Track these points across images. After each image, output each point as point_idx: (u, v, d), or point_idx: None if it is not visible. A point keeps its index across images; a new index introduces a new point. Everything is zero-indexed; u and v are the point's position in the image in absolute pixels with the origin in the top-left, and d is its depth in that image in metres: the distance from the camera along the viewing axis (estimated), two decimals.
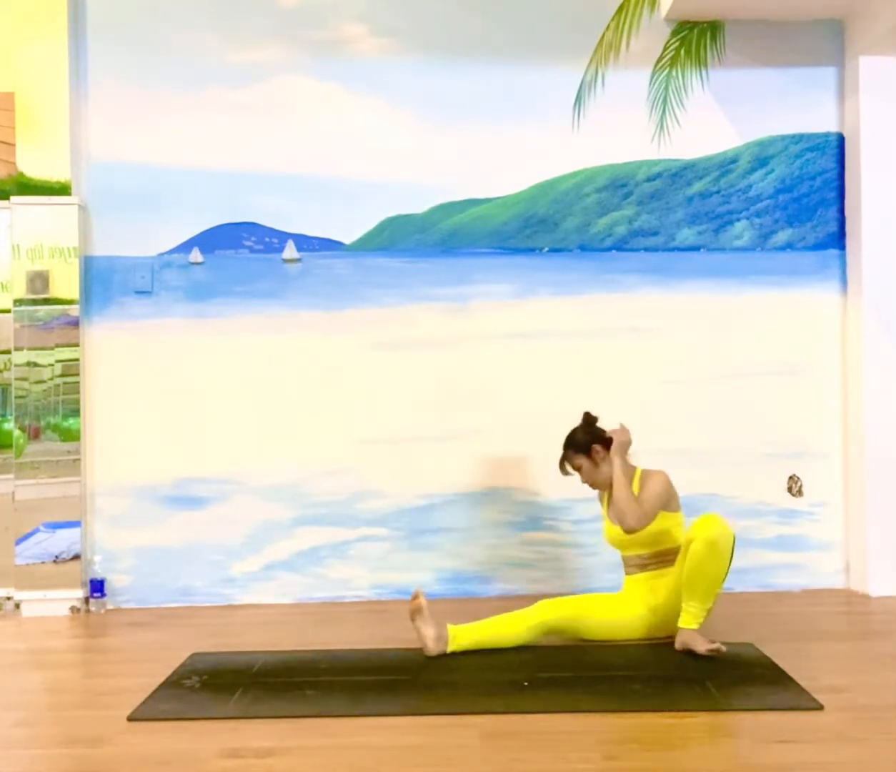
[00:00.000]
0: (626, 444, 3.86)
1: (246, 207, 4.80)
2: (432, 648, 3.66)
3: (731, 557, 3.60)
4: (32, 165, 4.71)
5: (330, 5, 4.79)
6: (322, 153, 4.79)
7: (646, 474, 3.85)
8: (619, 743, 2.88)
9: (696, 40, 4.82)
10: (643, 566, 3.86)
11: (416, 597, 3.70)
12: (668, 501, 3.81)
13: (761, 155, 4.84)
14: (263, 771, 2.73)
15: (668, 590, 3.76)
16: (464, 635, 3.70)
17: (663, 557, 3.83)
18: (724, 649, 3.57)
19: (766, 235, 4.85)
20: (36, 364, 4.65)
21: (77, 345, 4.68)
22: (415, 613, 3.69)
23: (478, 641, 3.71)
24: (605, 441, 3.89)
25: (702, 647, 3.58)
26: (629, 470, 3.85)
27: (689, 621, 3.63)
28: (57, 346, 4.66)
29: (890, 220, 4.66)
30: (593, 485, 3.96)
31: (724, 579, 3.62)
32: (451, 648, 3.68)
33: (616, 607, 3.86)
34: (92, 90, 4.75)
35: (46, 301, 4.65)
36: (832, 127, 4.82)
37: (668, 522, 3.82)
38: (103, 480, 4.72)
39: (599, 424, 3.97)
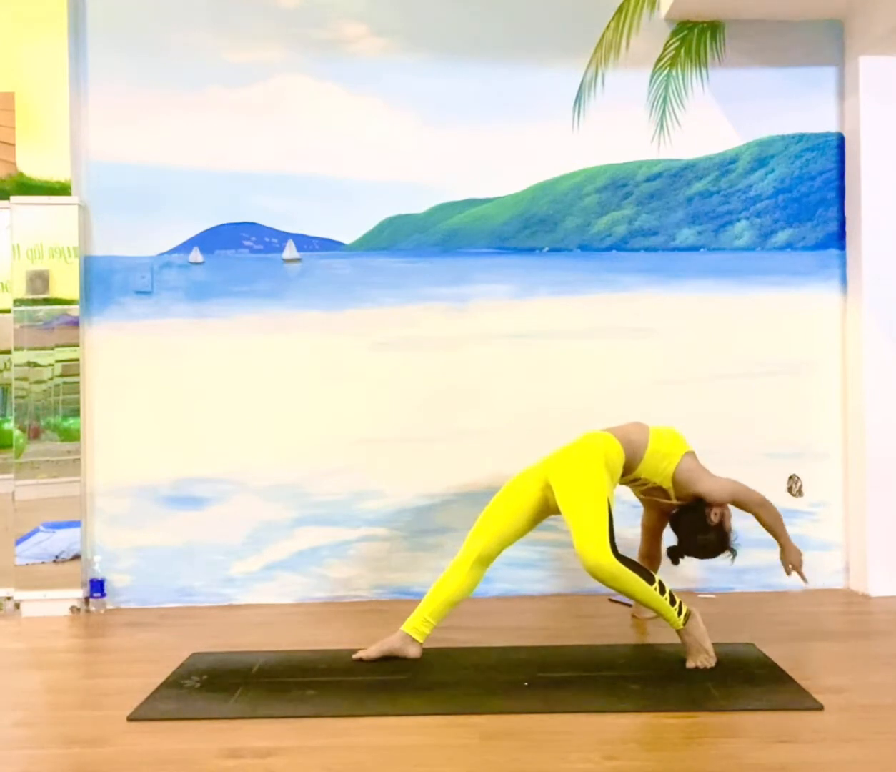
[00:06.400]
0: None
1: (246, 207, 4.80)
2: (411, 652, 3.66)
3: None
4: (32, 165, 4.71)
5: (330, 5, 4.79)
6: (322, 153, 4.79)
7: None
8: (619, 743, 2.88)
9: (696, 40, 4.82)
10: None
11: (359, 659, 3.67)
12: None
13: (761, 155, 4.84)
14: (263, 771, 2.73)
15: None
16: (419, 621, 3.68)
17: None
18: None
19: (766, 235, 4.85)
20: (36, 364, 4.65)
21: (77, 345, 4.68)
22: (375, 656, 3.67)
23: (433, 612, 3.68)
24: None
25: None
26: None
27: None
28: (57, 346, 4.65)
29: (890, 220, 4.66)
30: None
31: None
32: (419, 639, 3.67)
33: (519, 492, 3.82)
34: (92, 90, 4.75)
35: (46, 301, 4.65)
36: (832, 127, 4.83)
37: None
38: (103, 480, 4.72)
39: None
